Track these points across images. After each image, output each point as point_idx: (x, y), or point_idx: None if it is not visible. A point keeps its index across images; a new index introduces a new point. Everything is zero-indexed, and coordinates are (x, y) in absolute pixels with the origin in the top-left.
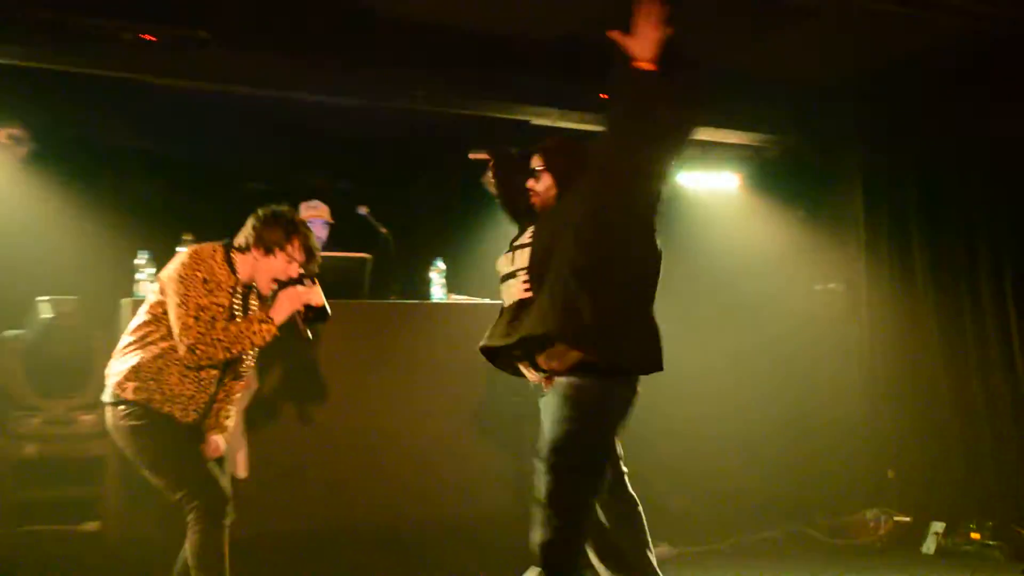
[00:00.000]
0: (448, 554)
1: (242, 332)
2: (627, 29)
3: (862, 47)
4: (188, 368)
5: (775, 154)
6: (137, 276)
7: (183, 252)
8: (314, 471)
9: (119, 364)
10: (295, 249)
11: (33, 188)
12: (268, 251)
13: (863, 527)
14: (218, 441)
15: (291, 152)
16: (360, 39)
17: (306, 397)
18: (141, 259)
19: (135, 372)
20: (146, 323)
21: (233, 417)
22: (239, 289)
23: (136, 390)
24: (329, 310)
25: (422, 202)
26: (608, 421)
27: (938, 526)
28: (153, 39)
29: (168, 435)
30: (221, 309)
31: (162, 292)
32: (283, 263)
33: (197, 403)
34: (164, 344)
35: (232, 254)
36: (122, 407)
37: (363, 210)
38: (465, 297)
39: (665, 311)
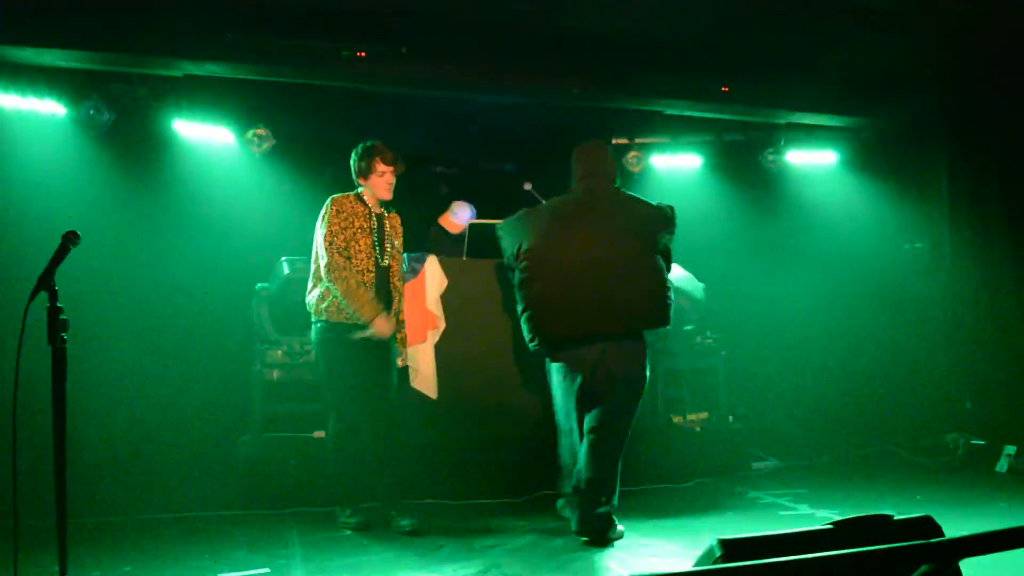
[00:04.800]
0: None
1: (356, 297)
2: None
3: (946, 42)
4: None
5: (870, 135)
6: None
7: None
8: (496, 391)
9: (310, 296)
10: (380, 163)
11: (274, 175)
12: (366, 175)
13: (943, 448)
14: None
15: (469, 140)
16: (526, 49)
17: (486, 334)
18: None
19: (320, 297)
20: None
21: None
22: (375, 212)
23: (320, 311)
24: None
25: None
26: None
27: (1010, 449)
28: (363, 55)
29: (335, 348)
30: (359, 230)
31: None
32: (379, 175)
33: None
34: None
35: (362, 192)
36: (317, 324)
37: (527, 186)
38: None
39: (777, 266)
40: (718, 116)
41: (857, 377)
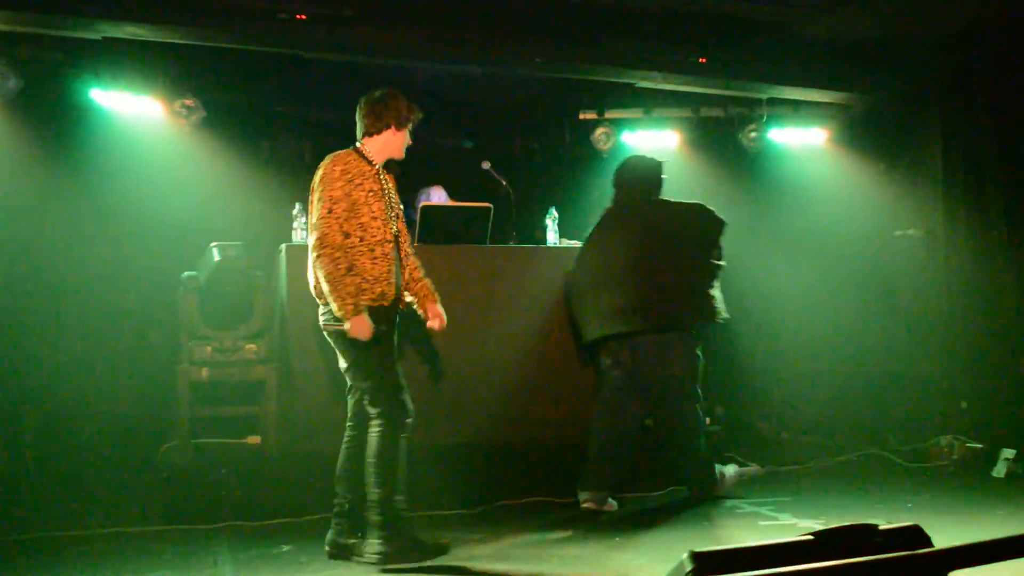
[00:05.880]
0: (555, 470)
1: (340, 287)
2: None
3: (940, 10)
4: (372, 252)
5: (859, 111)
6: (293, 224)
7: (330, 156)
8: (451, 391)
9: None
10: (414, 116)
11: (204, 150)
12: (401, 126)
13: (937, 452)
14: (439, 310)
15: (425, 115)
16: (485, 14)
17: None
18: (295, 209)
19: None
20: None
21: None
22: (382, 173)
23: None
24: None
25: (538, 157)
26: None
27: (1008, 452)
28: (303, 17)
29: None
30: (371, 193)
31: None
32: (409, 129)
33: (391, 278)
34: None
35: (362, 148)
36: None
37: (486, 165)
38: (576, 242)
39: (758, 254)
40: (695, 89)
41: (845, 375)
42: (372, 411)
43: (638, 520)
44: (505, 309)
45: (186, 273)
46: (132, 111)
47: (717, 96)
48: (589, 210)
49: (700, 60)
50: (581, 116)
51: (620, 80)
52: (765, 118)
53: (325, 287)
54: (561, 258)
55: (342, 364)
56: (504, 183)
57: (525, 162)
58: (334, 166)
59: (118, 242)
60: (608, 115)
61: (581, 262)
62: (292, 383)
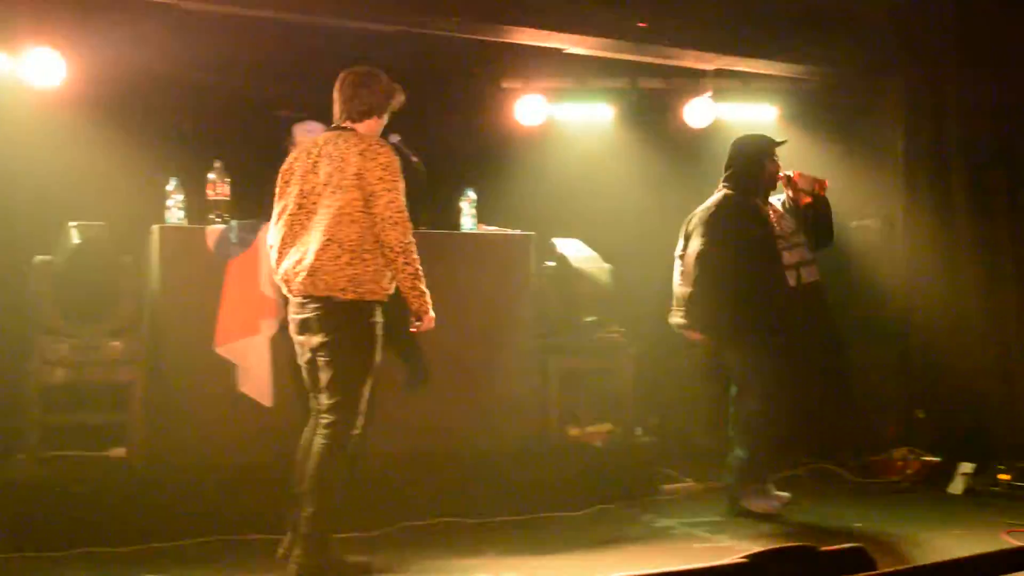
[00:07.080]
0: (465, 486)
1: (421, 282)
2: None
3: None
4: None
5: (814, 86)
6: (167, 202)
7: (367, 141)
8: None
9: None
10: None
11: (62, 114)
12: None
13: (890, 466)
14: None
15: (321, 79)
16: None
17: None
18: (171, 185)
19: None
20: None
21: None
22: None
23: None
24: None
25: (454, 130)
26: None
27: (967, 467)
28: None
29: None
30: None
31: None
32: None
33: None
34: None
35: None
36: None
37: (395, 139)
38: (496, 228)
39: None
40: (633, 57)
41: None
42: (331, 416)
43: (557, 542)
44: None
45: (39, 257)
46: None
47: (658, 66)
48: (512, 191)
49: (639, 24)
50: (504, 85)
51: (547, 44)
52: (712, 92)
53: (409, 283)
54: (477, 246)
55: (338, 362)
56: (415, 159)
57: (439, 136)
58: (394, 157)
59: None
60: (535, 84)
61: None
62: (164, 387)
